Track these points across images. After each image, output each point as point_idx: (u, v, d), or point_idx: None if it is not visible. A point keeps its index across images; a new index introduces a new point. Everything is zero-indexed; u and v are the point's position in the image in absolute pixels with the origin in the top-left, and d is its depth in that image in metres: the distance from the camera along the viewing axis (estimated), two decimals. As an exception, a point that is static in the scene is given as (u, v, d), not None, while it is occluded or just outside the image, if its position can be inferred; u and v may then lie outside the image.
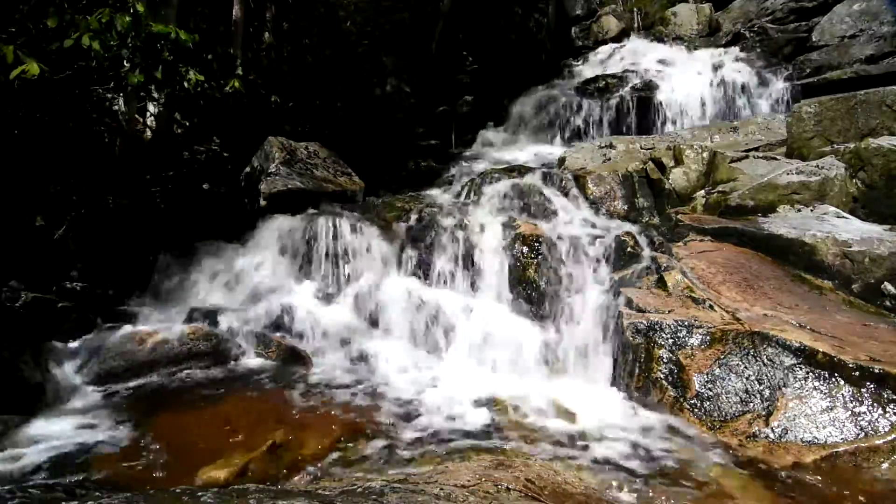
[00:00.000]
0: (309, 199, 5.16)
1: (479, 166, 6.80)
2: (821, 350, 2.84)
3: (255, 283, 4.50)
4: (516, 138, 8.06)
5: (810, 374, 2.82)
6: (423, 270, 4.49)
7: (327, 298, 4.45)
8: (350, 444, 2.80)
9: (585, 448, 2.75)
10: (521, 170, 5.69)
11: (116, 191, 4.71)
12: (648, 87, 7.60)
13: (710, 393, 2.96)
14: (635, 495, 2.34)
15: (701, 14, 9.17)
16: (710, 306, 3.39)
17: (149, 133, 5.73)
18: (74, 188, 4.49)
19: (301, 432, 2.92)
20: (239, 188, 5.45)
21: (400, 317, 4.17)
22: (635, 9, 10.02)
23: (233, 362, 3.82)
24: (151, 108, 5.75)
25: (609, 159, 5.89)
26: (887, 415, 2.61)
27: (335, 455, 2.70)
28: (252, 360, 3.88)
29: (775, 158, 5.11)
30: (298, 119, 6.92)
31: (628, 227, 4.51)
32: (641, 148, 6.00)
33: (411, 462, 2.61)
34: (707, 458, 2.65)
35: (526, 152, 7.39)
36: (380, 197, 5.77)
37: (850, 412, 2.67)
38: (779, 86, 7.26)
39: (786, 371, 2.87)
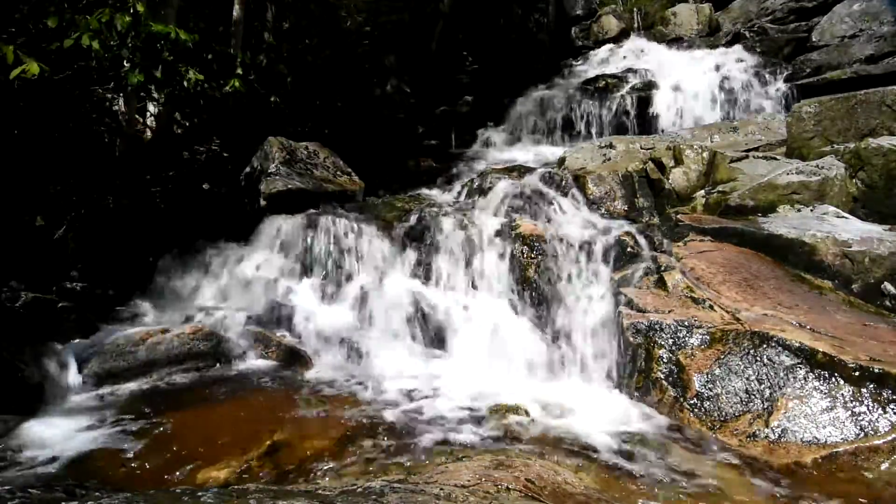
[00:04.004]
0: (309, 199, 5.16)
1: (479, 166, 6.81)
2: (821, 350, 2.84)
3: (255, 283, 4.50)
4: (516, 138, 8.06)
5: (810, 374, 2.82)
6: (423, 270, 4.48)
7: (327, 298, 4.45)
8: (350, 444, 2.80)
9: (585, 448, 2.75)
10: (521, 170, 5.69)
11: (116, 191, 4.71)
12: (648, 87, 7.60)
13: (710, 393, 2.96)
14: (635, 496, 2.34)
15: (701, 14, 9.16)
16: (710, 306, 3.39)
17: (149, 133, 5.73)
18: (74, 188, 4.49)
19: (301, 432, 2.92)
20: (239, 188, 5.45)
21: (400, 317, 4.17)
22: (635, 9, 10.02)
23: (233, 362, 3.82)
24: (151, 108, 5.75)
25: (609, 159, 5.88)
26: (887, 415, 2.61)
27: (335, 455, 2.69)
28: (252, 360, 3.88)
29: (775, 158, 5.11)
30: (298, 119, 6.91)
31: (628, 227, 4.50)
32: (641, 148, 6.00)
33: (411, 462, 2.61)
34: (707, 458, 2.65)
35: (526, 152, 7.38)
36: (380, 197, 5.77)
37: (850, 412, 2.67)
38: (779, 86, 7.26)
39: (786, 371, 2.87)
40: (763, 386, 2.88)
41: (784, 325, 3.12)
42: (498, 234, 4.50)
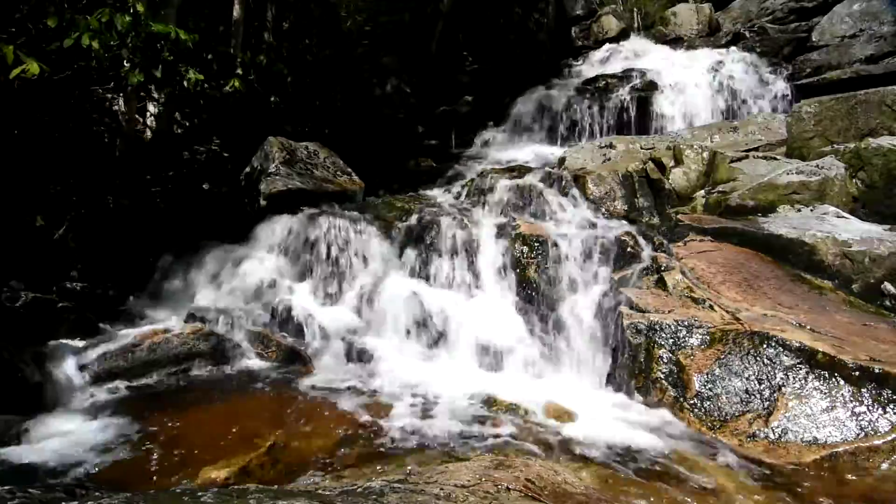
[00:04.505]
0: (309, 199, 5.16)
1: (479, 166, 6.80)
2: (821, 350, 2.84)
3: (255, 283, 4.50)
4: (516, 138, 8.06)
5: (810, 374, 2.82)
6: (423, 270, 4.48)
7: (327, 298, 4.45)
8: (350, 444, 2.80)
9: (585, 448, 2.75)
10: (521, 170, 5.69)
11: (116, 191, 4.71)
12: (648, 87, 7.60)
13: (710, 393, 2.96)
14: (635, 495, 2.34)
15: (701, 14, 9.16)
16: (710, 306, 3.39)
17: (149, 133, 5.73)
18: (74, 188, 4.48)
19: (301, 432, 2.92)
20: (239, 188, 5.45)
21: (400, 317, 4.17)
22: (635, 8, 10.02)
23: (233, 362, 3.82)
24: (151, 108, 5.75)
25: (609, 159, 5.88)
26: (887, 415, 2.61)
27: (335, 455, 2.69)
28: (252, 360, 3.88)
29: (775, 158, 5.11)
30: (298, 119, 6.92)
31: (628, 227, 4.51)
32: (641, 148, 6.00)
33: (411, 462, 2.61)
34: (707, 458, 2.65)
35: (526, 152, 7.38)
36: (380, 197, 5.77)
37: (849, 412, 2.67)
38: (779, 86, 7.26)
39: (786, 371, 2.87)
40: (763, 386, 2.88)
41: (784, 325, 3.12)
42: (498, 234, 4.50)
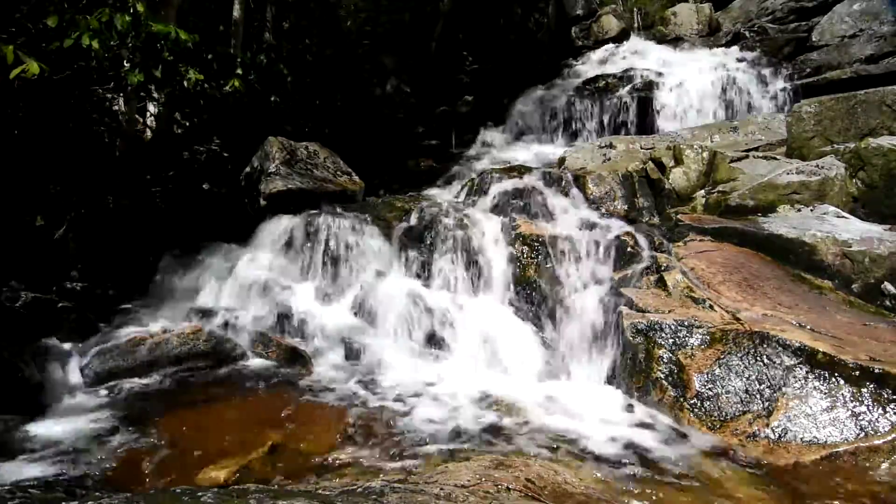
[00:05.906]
0: (309, 199, 5.16)
1: (479, 166, 6.81)
2: (821, 350, 2.84)
3: (255, 284, 4.50)
4: (516, 138, 8.07)
5: (810, 374, 2.82)
6: (423, 271, 4.48)
7: (327, 298, 4.45)
8: (350, 444, 2.80)
9: (585, 448, 2.75)
10: (521, 170, 5.69)
11: (116, 191, 4.71)
12: (648, 87, 7.59)
13: (710, 393, 2.96)
14: (635, 495, 2.34)
15: (701, 14, 9.17)
16: (710, 306, 3.39)
17: (149, 133, 5.74)
18: (74, 188, 4.49)
19: (301, 432, 2.92)
20: (239, 188, 5.45)
21: (400, 317, 4.17)
22: (635, 8, 10.02)
23: (233, 362, 3.82)
24: (151, 108, 5.76)
25: (609, 159, 5.89)
26: (887, 414, 2.61)
27: (335, 455, 2.69)
28: (252, 360, 3.88)
29: (775, 158, 5.11)
30: (298, 119, 6.92)
31: (628, 227, 4.50)
32: (641, 148, 6.00)
33: (411, 462, 2.61)
34: (707, 458, 2.65)
35: (526, 152, 7.38)
36: (380, 197, 5.78)
37: (850, 412, 2.67)
38: (779, 86, 7.26)
39: (786, 371, 2.87)
40: (763, 386, 2.88)
41: (784, 324, 3.12)
42: (498, 234, 4.50)
